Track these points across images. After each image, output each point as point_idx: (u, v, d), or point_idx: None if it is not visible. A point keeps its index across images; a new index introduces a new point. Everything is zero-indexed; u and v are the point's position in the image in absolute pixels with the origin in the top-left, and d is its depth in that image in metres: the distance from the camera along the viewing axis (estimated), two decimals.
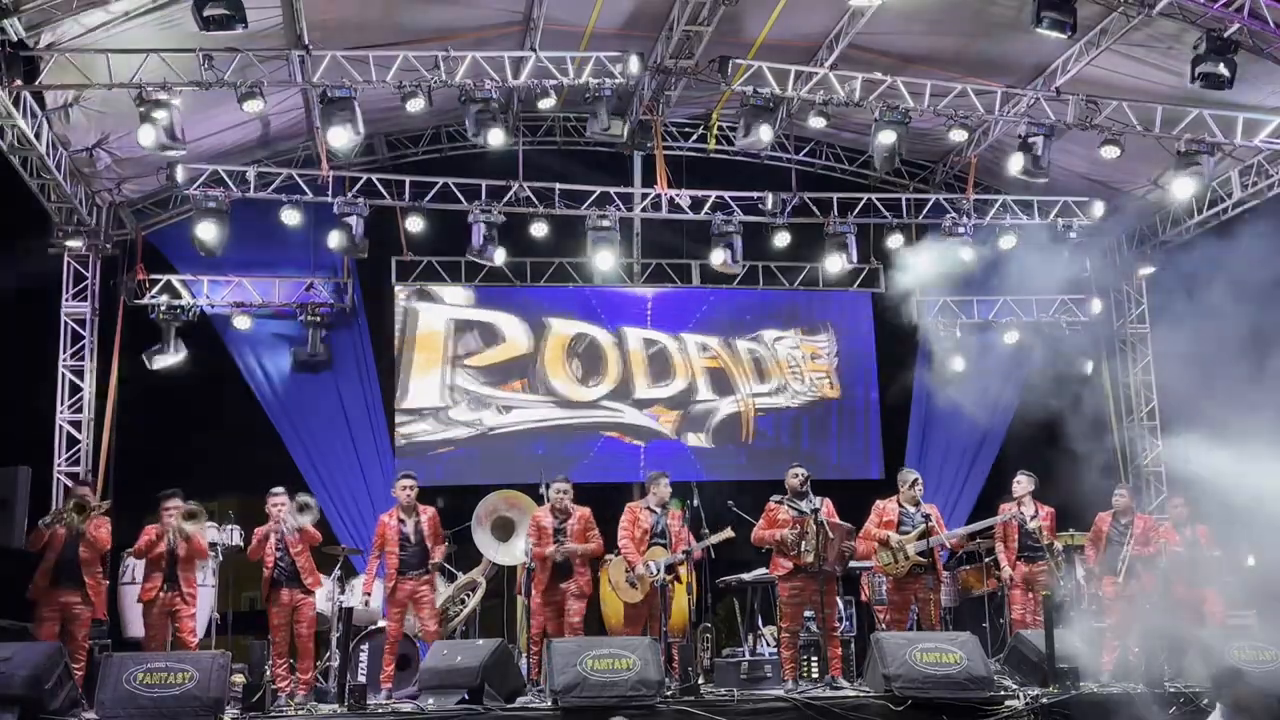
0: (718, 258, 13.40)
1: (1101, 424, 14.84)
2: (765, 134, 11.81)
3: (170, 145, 10.56)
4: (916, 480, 10.08)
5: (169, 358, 13.02)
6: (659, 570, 9.51)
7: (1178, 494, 11.01)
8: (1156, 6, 10.53)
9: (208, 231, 12.11)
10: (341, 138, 10.95)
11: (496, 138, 11.37)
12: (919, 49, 12.04)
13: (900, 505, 9.95)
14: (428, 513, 9.95)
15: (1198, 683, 8.65)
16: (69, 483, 12.00)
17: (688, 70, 11.82)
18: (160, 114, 10.28)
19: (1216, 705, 7.28)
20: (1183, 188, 12.17)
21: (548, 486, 10.38)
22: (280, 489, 9.83)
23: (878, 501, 10.15)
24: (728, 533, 9.79)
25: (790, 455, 13.31)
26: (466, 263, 13.57)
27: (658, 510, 9.89)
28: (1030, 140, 11.86)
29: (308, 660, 9.50)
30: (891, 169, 12.86)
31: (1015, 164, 12.12)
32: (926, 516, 9.75)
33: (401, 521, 9.84)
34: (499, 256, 13.04)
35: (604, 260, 13.39)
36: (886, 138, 11.84)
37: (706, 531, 9.73)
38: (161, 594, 9.22)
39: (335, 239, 12.40)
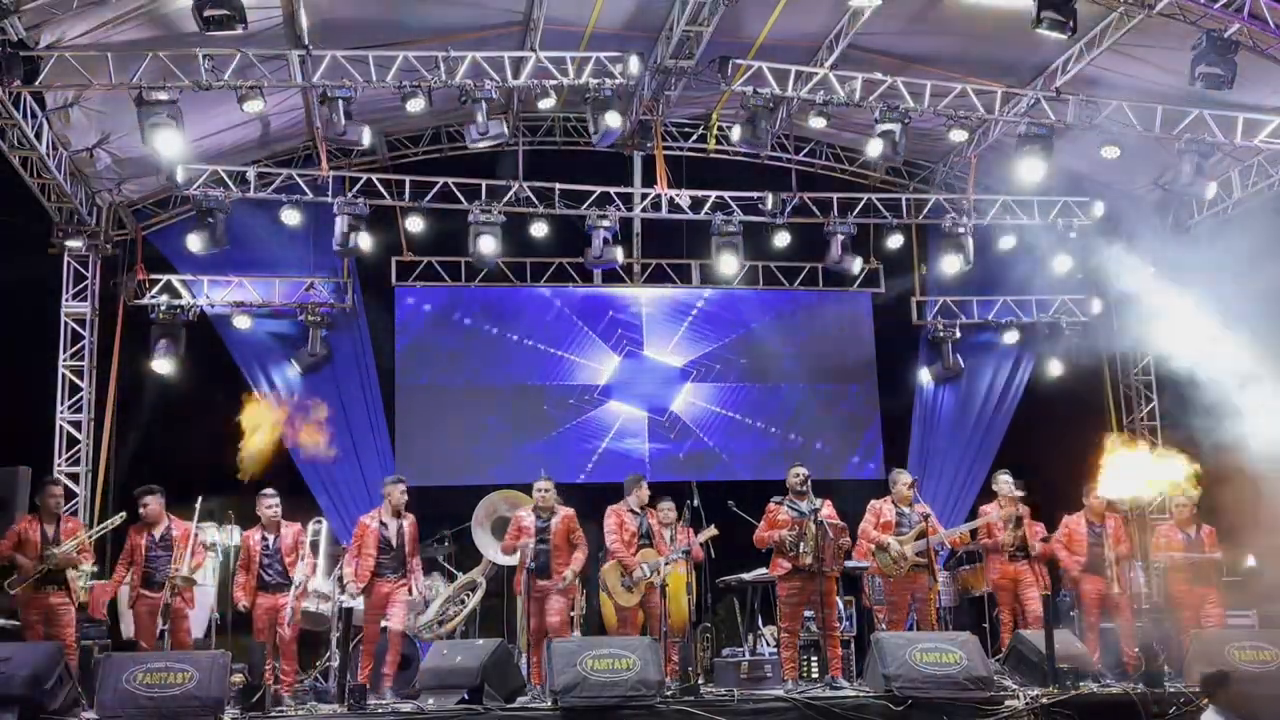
0: (730, 265, 13.41)
1: (1101, 424, 14.87)
2: (735, 134, 12.06)
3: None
4: (911, 480, 10.09)
5: (169, 358, 13.01)
6: (653, 572, 9.55)
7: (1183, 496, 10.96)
8: (1156, 6, 10.52)
9: (204, 234, 12.16)
10: (369, 137, 11.30)
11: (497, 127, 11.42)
12: (919, 49, 12.03)
13: (895, 506, 9.97)
14: (409, 519, 9.80)
15: (1192, 683, 8.67)
16: (68, 482, 11.97)
17: (688, 70, 11.80)
18: (168, 118, 10.28)
19: (1210, 706, 7.29)
20: (1211, 189, 12.40)
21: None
22: (272, 490, 9.81)
23: (873, 501, 10.16)
24: (711, 530, 9.90)
25: None
26: (466, 263, 13.59)
27: (639, 511, 9.94)
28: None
29: (291, 662, 9.49)
30: (899, 162, 12.82)
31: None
32: (925, 516, 9.77)
33: (383, 525, 9.71)
34: (493, 246, 12.94)
35: (617, 256, 13.39)
36: (874, 148, 11.94)
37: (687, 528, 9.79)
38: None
39: (364, 241, 12.48)
